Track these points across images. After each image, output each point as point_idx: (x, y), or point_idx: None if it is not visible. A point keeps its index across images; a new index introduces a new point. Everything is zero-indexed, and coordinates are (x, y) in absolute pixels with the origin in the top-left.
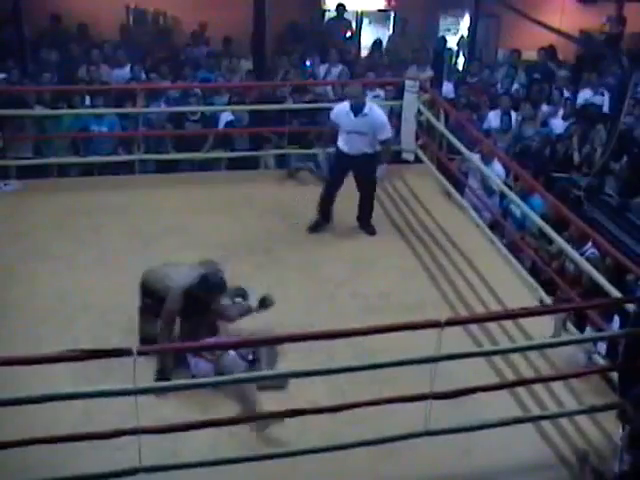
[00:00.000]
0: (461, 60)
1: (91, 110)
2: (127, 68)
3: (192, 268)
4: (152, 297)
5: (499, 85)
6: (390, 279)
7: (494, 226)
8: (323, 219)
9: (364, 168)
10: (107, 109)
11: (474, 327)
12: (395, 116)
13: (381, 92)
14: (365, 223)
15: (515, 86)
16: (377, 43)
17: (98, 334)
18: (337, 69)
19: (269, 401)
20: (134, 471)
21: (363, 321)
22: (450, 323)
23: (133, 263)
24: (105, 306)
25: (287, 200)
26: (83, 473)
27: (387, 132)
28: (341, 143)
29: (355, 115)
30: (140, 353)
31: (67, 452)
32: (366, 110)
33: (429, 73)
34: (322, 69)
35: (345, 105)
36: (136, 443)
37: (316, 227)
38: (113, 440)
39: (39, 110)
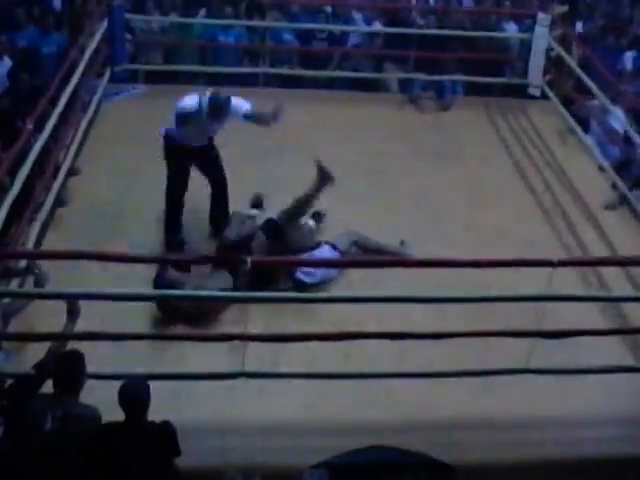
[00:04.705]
0: None
1: (219, 20)
2: None
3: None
4: None
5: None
6: (505, 214)
7: (619, 170)
8: (177, 236)
9: (208, 153)
10: (235, 20)
11: (586, 269)
12: (525, 49)
13: (514, 26)
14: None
15: None
16: None
17: (210, 242)
18: None
19: (370, 322)
20: (237, 375)
21: (474, 254)
22: (563, 263)
23: (250, 174)
24: None
25: (406, 125)
26: (189, 371)
27: (245, 106)
28: (183, 137)
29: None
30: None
31: (176, 350)
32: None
33: (564, 7)
34: None
35: (196, 104)
36: (241, 349)
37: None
38: (220, 344)
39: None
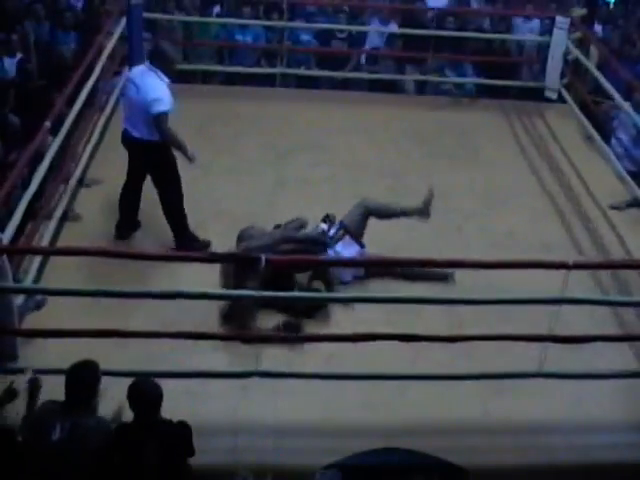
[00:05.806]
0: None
1: (237, 20)
2: None
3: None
4: None
5: None
6: (520, 217)
7: (637, 178)
8: (127, 225)
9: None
10: (253, 20)
11: (601, 273)
12: (543, 52)
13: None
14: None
15: None
16: None
17: (227, 241)
18: None
19: (383, 325)
20: (250, 374)
21: (488, 256)
22: (578, 266)
23: (266, 175)
24: (236, 214)
25: (422, 126)
26: (203, 370)
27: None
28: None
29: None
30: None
31: (190, 349)
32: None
33: (582, 10)
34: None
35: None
36: (256, 348)
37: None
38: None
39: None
